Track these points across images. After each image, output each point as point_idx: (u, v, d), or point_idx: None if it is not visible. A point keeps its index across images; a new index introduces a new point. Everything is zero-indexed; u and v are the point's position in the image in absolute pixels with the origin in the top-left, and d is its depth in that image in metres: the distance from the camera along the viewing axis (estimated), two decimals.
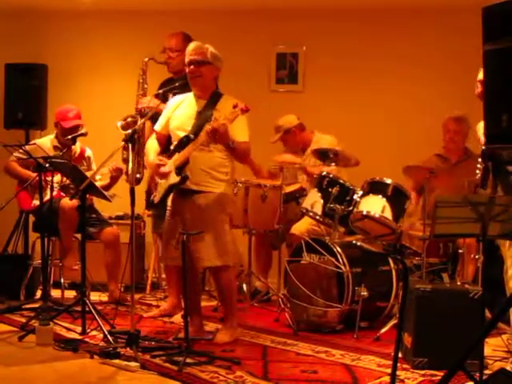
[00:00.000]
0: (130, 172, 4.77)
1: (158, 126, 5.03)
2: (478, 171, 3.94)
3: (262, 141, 4.88)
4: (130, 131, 4.64)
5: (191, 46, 4.93)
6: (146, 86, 5.63)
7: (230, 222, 4.94)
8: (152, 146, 5.02)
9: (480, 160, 3.95)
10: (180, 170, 4.71)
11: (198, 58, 4.84)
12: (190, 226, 4.72)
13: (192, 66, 4.86)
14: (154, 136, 5.07)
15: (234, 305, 5.03)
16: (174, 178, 4.72)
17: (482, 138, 4.20)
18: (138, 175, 5.48)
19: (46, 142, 6.18)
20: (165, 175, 4.77)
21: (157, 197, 4.85)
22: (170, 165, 4.75)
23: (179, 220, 4.83)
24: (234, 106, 4.59)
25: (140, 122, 4.88)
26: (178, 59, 5.62)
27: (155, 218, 5.80)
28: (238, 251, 5.30)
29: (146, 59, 5.66)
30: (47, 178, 5.61)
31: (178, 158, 4.75)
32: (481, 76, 4.06)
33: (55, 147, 6.12)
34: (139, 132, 5.13)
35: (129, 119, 5.08)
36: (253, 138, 4.87)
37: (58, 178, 5.90)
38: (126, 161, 5.51)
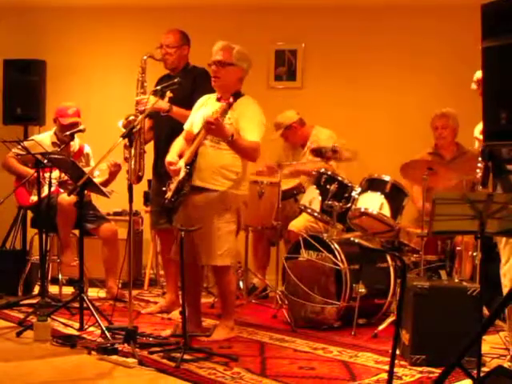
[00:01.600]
0: (130, 169, 4.75)
1: (186, 125, 5.03)
2: (478, 170, 3.94)
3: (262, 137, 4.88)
4: (127, 128, 4.64)
5: (217, 45, 4.89)
6: (145, 84, 5.61)
7: (238, 224, 4.92)
8: (176, 144, 4.97)
9: (480, 159, 3.94)
10: (189, 166, 4.72)
11: (221, 58, 4.83)
12: (193, 222, 4.71)
13: (214, 66, 4.84)
14: (183, 134, 5.05)
15: (232, 302, 5.04)
16: (181, 175, 4.74)
17: (480, 137, 4.20)
18: (139, 173, 5.50)
19: (45, 138, 6.18)
20: (176, 172, 4.78)
21: (169, 193, 4.84)
22: (181, 162, 4.77)
23: (185, 216, 4.84)
24: (218, 99, 4.61)
25: (139, 119, 4.87)
26: (176, 56, 5.60)
27: (153, 214, 5.80)
28: (236, 248, 5.29)
29: (145, 57, 5.64)
30: (45, 175, 5.61)
31: (186, 154, 4.77)
32: (479, 75, 4.05)
33: (54, 143, 6.11)
34: (139, 129, 5.12)
35: (131, 118, 5.07)
36: None
37: (56, 173, 5.90)
38: (127, 160, 5.49)
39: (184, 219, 4.81)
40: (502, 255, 4.17)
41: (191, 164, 4.72)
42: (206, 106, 4.93)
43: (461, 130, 6.04)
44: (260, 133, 4.81)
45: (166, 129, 5.39)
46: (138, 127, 4.74)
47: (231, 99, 4.58)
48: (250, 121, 4.78)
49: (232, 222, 4.84)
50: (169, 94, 5.40)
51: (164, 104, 5.30)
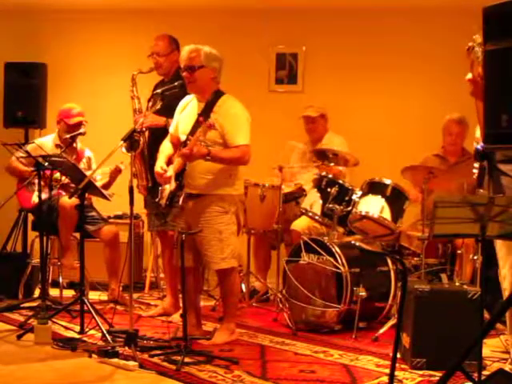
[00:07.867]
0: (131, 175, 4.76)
1: (171, 129, 5.05)
2: (475, 170, 3.93)
3: (261, 141, 4.88)
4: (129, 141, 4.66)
5: (184, 50, 4.90)
6: (139, 99, 5.65)
7: (238, 224, 4.93)
8: (164, 149, 5.00)
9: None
10: (178, 175, 4.73)
11: (190, 63, 4.82)
12: (193, 228, 4.73)
13: (185, 73, 4.85)
14: (168, 138, 5.07)
15: (234, 306, 5.05)
16: (172, 185, 4.76)
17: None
18: (149, 184, 5.52)
19: (47, 141, 6.19)
20: (167, 181, 4.79)
21: (162, 201, 4.84)
22: (170, 170, 4.77)
23: (185, 223, 4.85)
24: (199, 122, 4.60)
25: (138, 124, 4.88)
26: (167, 63, 5.61)
27: (150, 216, 5.79)
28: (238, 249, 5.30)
29: (135, 73, 5.67)
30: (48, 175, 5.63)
31: (175, 164, 4.77)
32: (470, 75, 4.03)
33: (57, 145, 6.12)
34: (141, 140, 5.16)
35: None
36: (252, 138, 4.86)
37: (57, 176, 5.90)
38: (136, 176, 5.48)
39: (184, 225, 4.82)
40: (499, 258, 4.17)
41: (181, 173, 4.74)
42: (188, 109, 4.94)
43: None
44: (247, 133, 4.81)
45: (158, 134, 5.39)
46: (139, 128, 4.76)
47: (210, 120, 4.57)
48: (234, 123, 4.79)
49: (232, 223, 4.84)
50: (159, 103, 5.36)
51: (160, 119, 5.34)
